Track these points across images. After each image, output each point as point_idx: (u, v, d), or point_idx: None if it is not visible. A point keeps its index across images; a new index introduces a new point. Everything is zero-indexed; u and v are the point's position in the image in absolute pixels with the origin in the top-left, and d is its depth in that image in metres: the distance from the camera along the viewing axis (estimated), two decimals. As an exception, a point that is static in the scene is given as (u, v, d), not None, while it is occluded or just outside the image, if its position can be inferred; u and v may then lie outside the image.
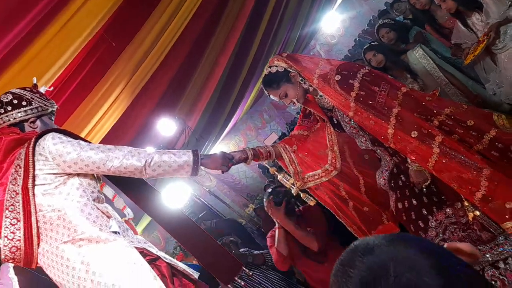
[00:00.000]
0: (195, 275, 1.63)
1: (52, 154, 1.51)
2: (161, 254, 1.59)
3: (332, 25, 8.34)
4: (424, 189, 1.88)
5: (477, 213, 1.70)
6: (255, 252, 3.06)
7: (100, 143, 3.86)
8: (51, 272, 1.52)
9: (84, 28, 2.99)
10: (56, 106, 1.85)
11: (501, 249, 1.63)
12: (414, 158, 1.73)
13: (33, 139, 1.53)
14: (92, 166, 1.55)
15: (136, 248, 1.54)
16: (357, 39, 7.59)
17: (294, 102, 2.00)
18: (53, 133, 1.57)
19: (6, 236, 1.46)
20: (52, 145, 1.52)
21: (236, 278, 1.69)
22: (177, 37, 4.43)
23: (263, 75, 1.99)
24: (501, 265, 1.64)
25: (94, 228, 1.51)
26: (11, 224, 1.46)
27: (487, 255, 1.67)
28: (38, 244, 1.52)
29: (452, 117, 1.76)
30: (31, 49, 2.63)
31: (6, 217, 1.46)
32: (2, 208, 1.47)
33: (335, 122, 2.05)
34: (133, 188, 1.73)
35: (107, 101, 3.78)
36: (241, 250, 3.12)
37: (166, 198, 3.64)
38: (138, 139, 4.66)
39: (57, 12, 2.77)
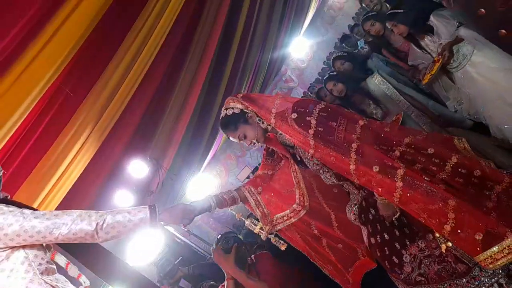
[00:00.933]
0: None
1: None
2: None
3: (301, 50, 8.51)
4: (395, 222, 1.82)
5: (449, 244, 1.64)
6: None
7: (69, 191, 3.70)
8: None
9: (39, 80, 2.90)
10: (1, 173, 1.73)
11: (477, 282, 1.57)
12: (379, 192, 1.68)
13: None
14: (37, 236, 1.43)
15: None
16: (325, 61, 7.72)
17: (254, 143, 1.94)
18: None
19: None
20: None
21: None
22: (143, 76, 4.38)
23: (220, 118, 1.93)
24: (480, 297, 1.57)
25: None
26: None
27: (469, 286, 1.61)
28: None
29: (413, 146, 1.73)
30: None
31: None
32: None
33: (298, 159, 2.00)
34: (85, 253, 1.60)
35: (72, 149, 3.64)
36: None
37: (136, 249, 3.47)
38: (110, 184, 4.51)
39: (13, 63, 2.69)
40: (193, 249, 4.56)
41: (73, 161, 3.76)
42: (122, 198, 4.48)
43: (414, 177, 1.63)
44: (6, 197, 1.66)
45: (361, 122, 1.77)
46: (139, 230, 1.61)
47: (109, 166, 4.50)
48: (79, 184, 3.85)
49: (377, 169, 1.65)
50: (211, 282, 3.38)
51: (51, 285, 1.45)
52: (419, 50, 2.75)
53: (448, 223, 1.54)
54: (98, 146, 4.10)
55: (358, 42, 4.06)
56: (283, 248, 1.86)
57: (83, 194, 4.05)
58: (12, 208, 1.46)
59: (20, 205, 1.53)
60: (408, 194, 1.60)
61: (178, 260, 3.75)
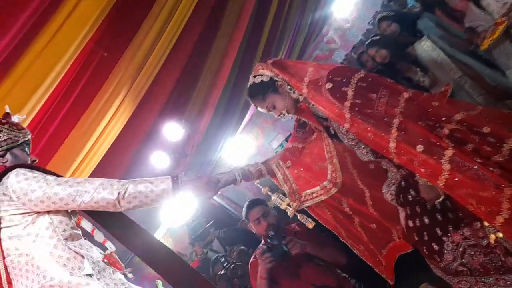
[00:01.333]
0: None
1: (17, 193, 1.41)
2: (139, 297, 1.46)
3: (345, 9, 7.94)
4: (438, 206, 1.65)
5: (500, 235, 1.47)
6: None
7: (107, 153, 3.79)
8: None
9: (73, 39, 2.87)
10: (29, 136, 1.74)
11: (529, 279, 1.40)
12: (422, 174, 1.51)
13: None
14: (60, 203, 1.44)
15: None
16: (371, 21, 7.18)
17: (284, 114, 1.80)
18: (17, 169, 1.47)
19: None
20: (16, 183, 1.42)
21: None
22: (177, 37, 4.28)
23: (248, 86, 1.80)
24: (530, 296, 1.41)
25: (65, 273, 1.40)
26: None
27: None
28: None
29: (465, 123, 1.52)
30: (19, 64, 2.54)
31: None
32: None
33: (332, 132, 1.84)
34: (109, 220, 1.60)
35: (109, 110, 3.68)
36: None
37: (169, 211, 3.52)
38: (146, 146, 4.57)
39: (43, 24, 2.67)
40: (227, 212, 4.60)
41: (110, 122, 3.80)
42: (158, 159, 4.54)
43: (464, 159, 1.44)
44: (34, 161, 1.67)
45: (405, 95, 1.57)
46: (162, 201, 1.58)
47: (145, 128, 4.55)
48: (116, 145, 3.92)
49: (422, 149, 1.47)
50: (242, 247, 3.41)
51: (75, 251, 1.47)
52: (478, 10, 2.41)
53: (501, 213, 1.35)
54: (134, 108, 4.12)
55: (408, 0, 3.66)
56: (310, 226, 1.77)
57: (121, 156, 4.13)
58: (36, 173, 1.47)
59: (45, 171, 1.54)
60: (456, 179, 1.41)
61: (209, 223, 3.80)
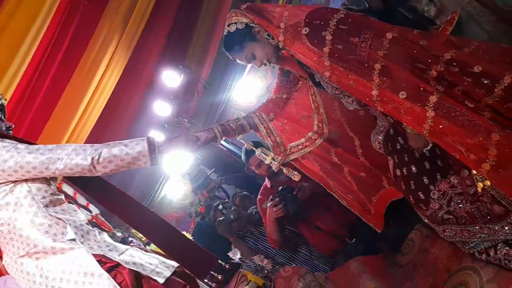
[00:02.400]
0: (167, 273, 1.53)
1: None
2: (124, 258, 1.49)
3: None
4: (427, 153, 1.56)
5: (488, 183, 1.39)
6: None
7: (105, 107, 3.76)
8: (21, 283, 1.50)
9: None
10: (2, 101, 1.67)
11: (515, 227, 1.34)
12: (407, 121, 1.41)
13: None
14: (34, 171, 1.43)
15: (94, 255, 1.45)
16: None
17: (265, 63, 1.68)
18: None
19: None
20: None
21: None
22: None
23: (223, 36, 1.66)
24: (516, 243, 1.36)
25: (48, 239, 1.43)
26: None
27: (504, 231, 1.39)
28: (1, 257, 1.49)
29: (454, 63, 1.37)
30: None
31: None
32: None
33: (317, 80, 1.72)
34: (88, 185, 1.60)
35: (102, 61, 3.59)
36: (250, 208, 3.05)
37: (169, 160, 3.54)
38: (147, 95, 4.52)
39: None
40: (234, 157, 4.61)
41: (104, 75, 3.72)
42: (161, 108, 4.50)
43: (452, 104, 1.32)
44: (10, 127, 1.65)
45: (389, 35, 1.41)
46: (139, 163, 1.55)
47: (144, 77, 4.46)
48: (114, 99, 3.87)
49: (404, 95, 1.36)
50: (244, 192, 3.46)
51: (56, 217, 1.48)
52: None
53: (488, 160, 1.27)
54: (129, 57, 4.00)
55: None
56: (296, 179, 1.73)
57: (121, 109, 4.11)
58: (6, 143, 1.44)
59: (16, 139, 1.51)
60: (441, 126, 1.31)
61: (211, 171, 3.85)
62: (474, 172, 1.42)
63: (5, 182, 1.44)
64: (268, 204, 2.25)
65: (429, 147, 1.52)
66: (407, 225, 1.95)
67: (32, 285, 1.42)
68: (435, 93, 1.32)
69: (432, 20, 2.53)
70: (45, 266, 1.41)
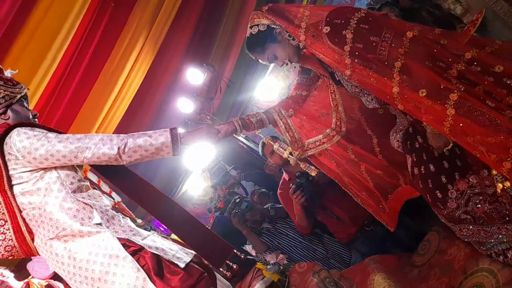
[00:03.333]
0: (186, 258, 1.59)
1: (21, 152, 1.48)
2: (146, 243, 1.56)
3: None
4: (446, 152, 1.56)
5: (508, 184, 1.38)
6: (278, 206, 3.02)
7: (131, 103, 3.88)
8: (50, 264, 1.59)
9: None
10: (25, 90, 1.71)
11: (533, 229, 1.33)
12: (427, 120, 1.41)
13: None
14: (64, 159, 1.52)
15: (119, 239, 1.53)
16: None
17: (287, 63, 1.72)
18: (18, 128, 1.51)
19: None
20: (19, 143, 1.48)
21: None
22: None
23: (246, 38, 1.71)
24: (534, 246, 1.35)
25: (76, 223, 1.51)
26: (0, 225, 1.52)
27: None
28: (32, 239, 1.59)
29: (475, 62, 1.38)
30: (28, 23, 2.57)
31: None
32: None
33: (338, 78, 1.74)
34: (112, 173, 1.68)
35: (129, 59, 3.71)
36: (266, 205, 3.09)
37: (191, 155, 3.62)
38: (171, 92, 4.62)
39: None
40: (254, 154, 4.66)
41: (131, 72, 3.83)
42: (184, 105, 4.60)
43: (473, 103, 1.33)
44: (36, 115, 1.73)
45: (409, 34, 1.43)
46: (162, 153, 1.62)
47: (168, 75, 4.56)
48: (140, 95, 3.99)
49: (424, 93, 1.37)
50: (263, 190, 3.50)
51: (84, 202, 1.56)
52: None
53: (509, 159, 1.26)
54: (154, 55, 4.11)
55: None
56: (313, 173, 1.76)
57: (146, 105, 4.22)
58: (37, 131, 1.52)
59: (46, 128, 1.59)
60: (462, 124, 1.32)
61: (231, 168, 3.90)
62: (494, 172, 1.42)
63: (36, 169, 1.53)
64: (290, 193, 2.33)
65: (449, 147, 1.52)
66: (425, 226, 1.94)
67: (61, 265, 1.51)
68: (455, 91, 1.33)
69: (459, 18, 2.51)
70: (73, 248, 1.50)
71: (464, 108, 1.32)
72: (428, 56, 1.40)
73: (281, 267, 2.59)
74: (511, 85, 1.33)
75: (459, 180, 1.51)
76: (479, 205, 1.46)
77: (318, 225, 2.90)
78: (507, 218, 1.39)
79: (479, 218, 1.47)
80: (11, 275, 2.60)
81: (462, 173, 1.51)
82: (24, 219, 1.55)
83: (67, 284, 1.59)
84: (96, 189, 1.69)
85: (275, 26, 1.63)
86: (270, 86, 7.40)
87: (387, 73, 1.43)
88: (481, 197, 1.46)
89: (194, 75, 4.39)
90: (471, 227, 1.49)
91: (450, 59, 1.38)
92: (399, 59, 1.40)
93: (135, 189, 1.70)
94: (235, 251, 2.43)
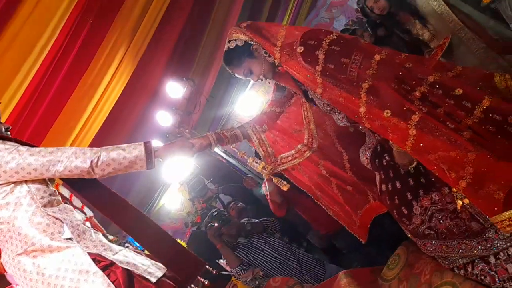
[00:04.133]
0: (158, 273, 1.59)
1: None
2: (118, 258, 1.55)
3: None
4: (411, 170, 1.64)
5: (467, 201, 1.46)
6: (255, 220, 3.05)
7: (109, 115, 3.85)
8: (18, 280, 1.55)
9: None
10: None
11: (489, 244, 1.40)
12: (391, 139, 1.49)
13: None
14: (35, 173, 1.50)
15: (90, 254, 1.51)
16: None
17: (262, 79, 1.77)
18: None
19: None
20: None
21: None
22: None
23: (224, 52, 1.76)
24: (492, 260, 1.42)
25: (45, 238, 1.49)
26: None
27: (479, 247, 1.45)
28: None
29: (437, 85, 1.46)
30: (5, 32, 2.54)
31: None
32: None
33: (310, 96, 1.81)
34: (85, 188, 1.67)
35: (108, 71, 3.69)
36: (243, 220, 3.11)
37: (169, 168, 3.62)
38: (150, 105, 4.62)
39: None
40: (232, 169, 4.69)
41: (109, 84, 3.81)
42: (163, 118, 4.60)
43: (434, 123, 1.41)
44: (8, 128, 1.72)
45: (377, 57, 1.51)
46: (136, 167, 1.62)
47: (148, 88, 4.56)
48: (118, 107, 3.96)
49: (389, 113, 1.44)
50: (242, 205, 3.52)
51: (54, 217, 1.54)
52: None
53: (464, 178, 1.34)
54: (135, 66, 4.10)
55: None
56: (285, 188, 1.80)
57: (124, 117, 4.20)
58: (8, 145, 1.51)
59: (17, 141, 1.58)
60: (422, 144, 1.39)
61: (208, 181, 3.91)
62: (455, 190, 1.49)
63: (6, 183, 1.50)
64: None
65: (414, 165, 1.60)
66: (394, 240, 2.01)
67: (29, 282, 1.48)
68: (417, 113, 1.40)
69: (427, 43, 2.64)
70: (41, 263, 1.47)
71: (425, 129, 1.40)
72: (394, 78, 1.48)
73: (257, 282, 2.61)
74: (469, 107, 1.42)
75: (423, 197, 1.58)
76: (442, 221, 1.53)
77: (293, 239, 2.93)
78: (466, 234, 1.46)
79: (442, 234, 1.53)
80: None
81: (426, 190, 1.58)
82: None
83: None
84: (68, 204, 1.68)
85: (252, 43, 1.69)
86: (250, 101, 7.48)
87: (355, 93, 1.50)
88: (443, 213, 1.53)
89: (174, 89, 4.42)
90: (433, 242, 1.56)
91: (414, 82, 1.46)
92: (366, 81, 1.48)
93: (107, 203, 1.69)
94: (207, 266, 2.43)
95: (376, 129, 1.51)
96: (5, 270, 1.59)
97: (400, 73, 1.48)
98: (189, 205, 4.27)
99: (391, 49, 1.65)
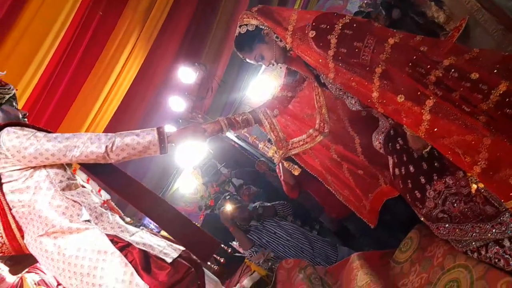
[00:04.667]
0: (174, 254, 1.63)
1: (10, 151, 1.51)
2: (134, 239, 1.60)
3: None
4: (425, 154, 1.63)
5: (481, 185, 1.45)
6: (267, 204, 3.08)
7: (124, 98, 3.90)
8: (40, 261, 1.62)
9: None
10: (14, 91, 1.76)
11: (504, 227, 1.40)
12: (405, 123, 1.47)
13: None
14: (52, 158, 1.55)
15: (107, 235, 1.57)
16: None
17: (273, 64, 1.77)
18: (7, 128, 1.55)
19: None
20: (8, 142, 1.51)
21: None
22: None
23: (235, 37, 1.76)
24: (506, 243, 1.42)
25: (65, 220, 1.54)
26: None
27: (493, 231, 1.45)
28: (22, 236, 1.62)
29: (453, 69, 1.44)
30: (16, 27, 2.57)
31: None
32: None
33: (322, 81, 1.80)
34: (101, 172, 1.71)
35: (120, 58, 3.72)
36: (255, 204, 3.15)
37: (182, 153, 3.66)
38: (162, 91, 4.65)
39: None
40: (244, 154, 4.72)
41: (122, 71, 3.84)
42: (176, 104, 4.63)
43: (449, 108, 1.39)
44: (25, 114, 1.76)
45: (391, 41, 1.48)
46: (149, 152, 1.66)
47: (160, 74, 4.58)
48: (131, 93, 4.00)
49: (403, 98, 1.42)
50: (255, 189, 3.55)
51: (72, 200, 1.59)
52: None
53: (479, 163, 1.33)
54: (147, 52, 4.12)
55: None
56: (296, 173, 1.81)
57: (137, 103, 4.24)
58: (26, 131, 1.55)
59: (35, 128, 1.62)
60: (436, 129, 1.38)
61: (221, 166, 3.95)
62: (469, 174, 1.48)
63: (25, 168, 1.56)
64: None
65: (428, 149, 1.59)
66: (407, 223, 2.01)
67: (51, 262, 1.55)
68: (432, 97, 1.39)
69: (442, 26, 2.58)
70: (62, 244, 1.53)
71: (440, 113, 1.38)
72: (408, 62, 1.46)
73: (269, 264, 2.65)
74: (485, 92, 1.39)
75: (437, 181, 1.57)
76: (455, 205, 1.53)
77: (305, 222, 2.96)
78: (480, 217, 1.46)
79: (455, 217, 1.53)
80: (6, 269, 2.63)
81: (440, 174, 1.58)
82: (14, 217, 1.57)
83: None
84: (85, 187, 1.72)
85: (263, 27, 1.68)
86: (262, 86, 7.43)
87: (368, 78, 1.48)
88: (457, 197, 1.52)
89: (186, 74, 4.43)
90: (447, 225, 1.56)
91: (429, 66, 1.43)
92: (380, 65, 1.46)
93: (124, 186, 1.73)
94: (222, 245, 2.48)
95: (390, 114, 1.50)
96: (28, 251, 1.65)
97: (415, 57, 1.46)
98: (202, 189, 4.33)
99: (405, 32, 1.61)
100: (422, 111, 1.38)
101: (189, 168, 4.00)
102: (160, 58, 4.49)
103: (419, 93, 1.40)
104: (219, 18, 5.31)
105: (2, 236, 1.59)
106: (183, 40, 4.69)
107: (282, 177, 2.68)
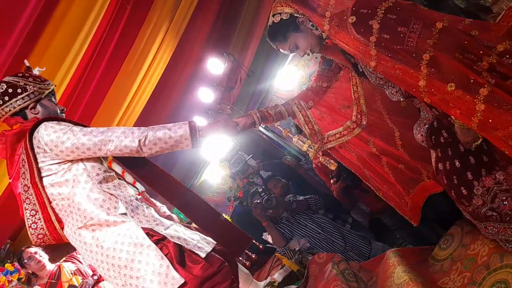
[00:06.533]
0: (208, 248, 1.62)
1: (48, 145, 1.54)
2: (169, 232, 1.59)
3: None
4: (472, 148, 1.52)
5: (537, 180, 1.34)
6: (300, 198, 3.03)
7: (155, 90, 3.93)
8: (80, 251, 1.66)
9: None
10: (53, 86, 1.79)
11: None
12: (455, 114, 1.37)
13: (28, 132, 1.55)
14: (88, 152, 1.57)
15: (143, 228, 1.57)
16: None
17: (309, 53, 1.69)
18: (45, 123, 1.58)
19: (30, 226, 1.63)
20: (46, 136, 1.54)
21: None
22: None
23: (268, 26, 1.69)
24: None
25: (102, 213, 1.56)
26: (31, 215, 1.60)
27: None
28: (62, 228, 1.66)
29: (508, 55, 1.32)
30: (53, 17, 2.61)
31: (25, 209, 1.61)
32: (21, 201, 1.59)
33: (361, 70, 1.71)
34: (135, 165, 1.72)
35: (151, 50, 3.74)
36: (287, 197, 3.10)
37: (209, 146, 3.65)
38: (191, 82, 4.65)
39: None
40: (274, 145, 4.66)
41: (152, 62, 3.87)
42: (205, 95, 4.62)
43: (503, 97, 1.28)
44: (63, 110, 1.79)
45: (439, 25, 1.38)
46: (181, 146, 1.64)
47: (190, 64, 4.58)
48: (161, 85, 4.03)
49: (453, 87, 1.32)
50: (284, 181, 3.50)
51: (109, 193, 1.61)
52: None
53: None
54: (176, 44, 4.12)
55: None
56: (333, 167, 1.74)
57: (167, 95, 4.27)
58: (63, 126, 1.58)
59: (71, 122, 1.65)
60: (491, 120, 1.28)
61: (249, 157, 3.92)
62: (524, 169, 1.37)
63: (63, 161, 1.59)
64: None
65: (478, 142, 1.48)
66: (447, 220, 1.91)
67: (90, 253, 1.57)
68: (486, 85, 1.28)
69: (488, 8, 2.41)
70: (100, 237, 1.55)
71: (495, 103, 1.28)
72: (457, 48, 1.35)
73: (301, 257, 2.61)
74: (545, 78, 1.28)
75: (486, 176, 1.47)
76: (506, 202, 1.42)
77: (337, 216, 2.90)
78: (534, 216, 1.35)
79: (506, 215, 1.43)
80: (46, 257, 2.74)
81: (489, 169, 1.47)
82: (53, 209, 1.61)
83: (95, 269, 1.65)
84: (121, 180, 1.73)
85: (298, 15, 1.61)
86: (289, 75, 7.32)
87: (414, 65, 1.39)
88: (508, 194, 1.42)
89: (215, 65, 4.41)
90: (497, 224, 1.46)
91: (481, 51, 1.33)
92: (427, 51, 1.36)
93: (157, 180, 1.74)
94: (253, 241, 2.47)
95: (437, 104, 1.40)
96: (67, 241, 1.68)
97: (466, 42, 1.35)
98: (230, 180, 4.32)
99: (452, 16, 1.50)
100: (475, 100, 1.28)
101: (215, 161, 3.98)
102: (190, 50, 4.48)
103: (471, 81, 1.30)
104: (247, 8, 5.25)
105: (43, 228, 1.63)
106: (211, 31, 4.66)
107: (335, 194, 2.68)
